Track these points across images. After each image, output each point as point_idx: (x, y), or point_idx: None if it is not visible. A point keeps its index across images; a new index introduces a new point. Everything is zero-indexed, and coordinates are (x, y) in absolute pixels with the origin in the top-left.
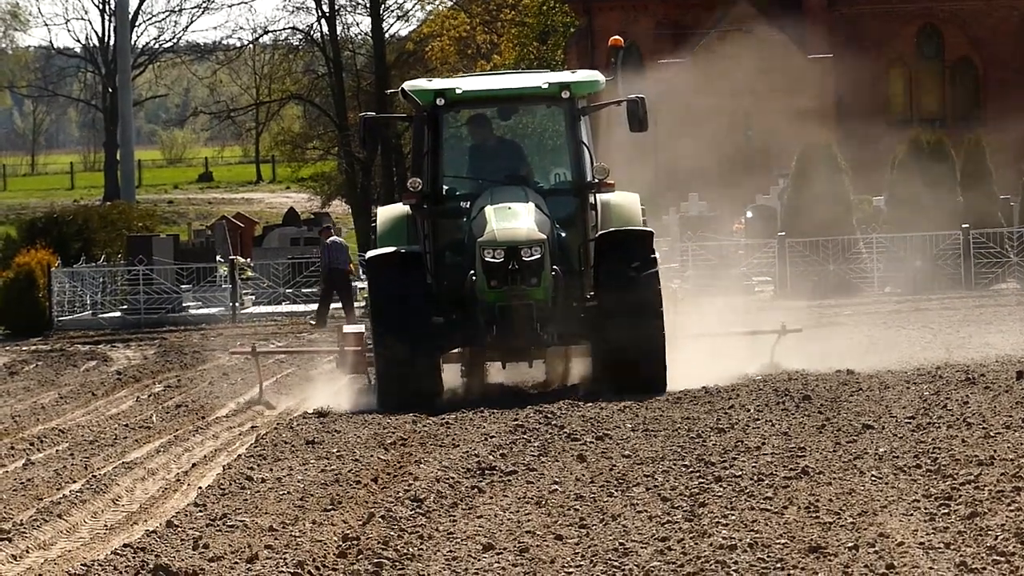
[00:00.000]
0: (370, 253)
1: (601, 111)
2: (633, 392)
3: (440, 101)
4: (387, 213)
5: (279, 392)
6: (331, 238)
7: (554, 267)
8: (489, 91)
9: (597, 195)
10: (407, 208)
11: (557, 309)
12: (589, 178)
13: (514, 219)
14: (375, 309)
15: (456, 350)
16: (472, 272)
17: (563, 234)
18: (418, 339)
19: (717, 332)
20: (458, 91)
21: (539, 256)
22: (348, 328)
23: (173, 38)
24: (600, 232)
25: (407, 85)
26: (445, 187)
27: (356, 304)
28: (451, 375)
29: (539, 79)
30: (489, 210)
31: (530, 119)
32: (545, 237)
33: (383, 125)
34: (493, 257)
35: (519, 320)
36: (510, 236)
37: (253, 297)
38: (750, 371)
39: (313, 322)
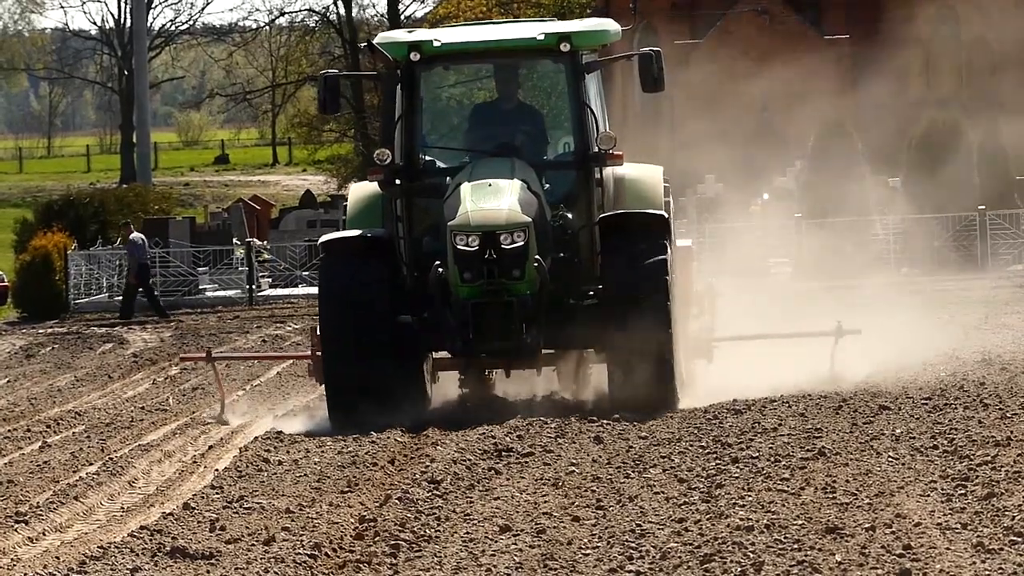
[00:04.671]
0: (325, 236)
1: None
2: (639, 409)
3: (415, 56)
4: (359, 192)
5: (249, 402)
6: (132, 235)
7: (536, 256)
8: (474, 44)
9: (607, 169)
10: None
11: (543, 307)
12: (594, 148)
13: (493, 198)
14: (325, 303)
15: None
16: (438, 263)
17: (569, 215)
18: (377, 343)
19: (761, 335)
20: (436, 43)
21: (522, 243)
22: None
23: (189, 20)
24: (602, 215)
25: (379, 38)
26: (424, 159)
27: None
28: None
29: (534, 29)
30: (465, 187)
31: (525, 76)
32: (530, 220)
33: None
34: (466, 245)
35: (498, 320)
36: (486, 219)
37: (270, 280)
38: (805, 386)
39: (120, 317)
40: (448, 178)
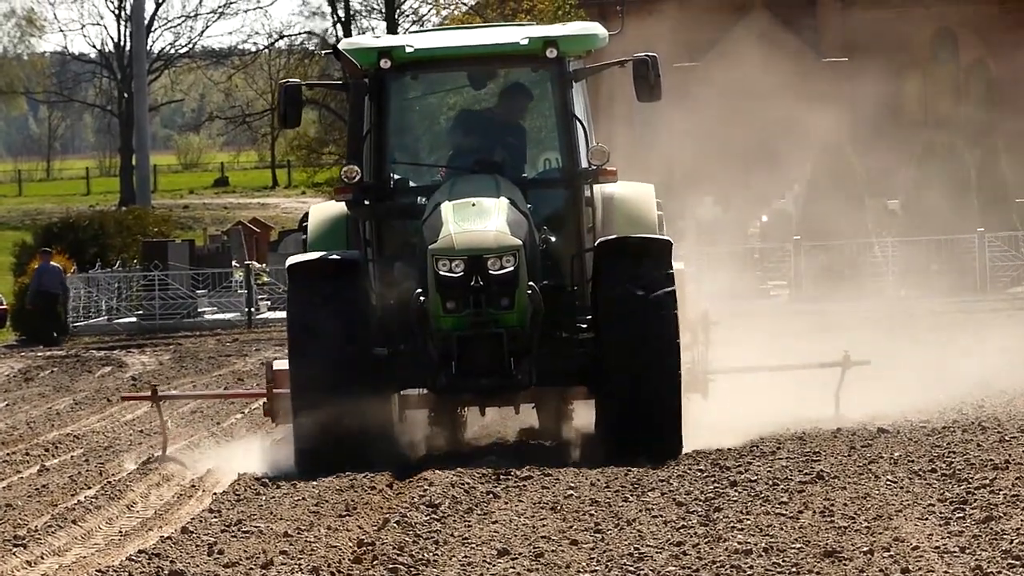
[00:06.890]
0: (292, 259)
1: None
2: (638, 455)
3: (385, 63)
4: (321, 213)
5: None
6: (50, 263)
7: (530, 283)
8: (450, 50)
9: (595, 186)
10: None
11: (536, 340)
12: (584, 164)
13: (479, 219)
14: (293, 334)
15: (418, 391)
16: (419, 291)
17: (552, 238)
18: (353, 379)
19: (762, 367)
20: (408, 50)
21: (512, 269)
22: (281, 365)
23: (189, 43)
24: (601, 239)
25: (344, 43)
26: (394, 176)
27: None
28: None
29: (517, 34)
30: (447, 207)
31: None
32: (520, 243)
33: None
34: (450, 271)
35: (485, 355)
36: (472, 242)
37: (269, 302)
38: (810, 424)
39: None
40: (422, 197)
